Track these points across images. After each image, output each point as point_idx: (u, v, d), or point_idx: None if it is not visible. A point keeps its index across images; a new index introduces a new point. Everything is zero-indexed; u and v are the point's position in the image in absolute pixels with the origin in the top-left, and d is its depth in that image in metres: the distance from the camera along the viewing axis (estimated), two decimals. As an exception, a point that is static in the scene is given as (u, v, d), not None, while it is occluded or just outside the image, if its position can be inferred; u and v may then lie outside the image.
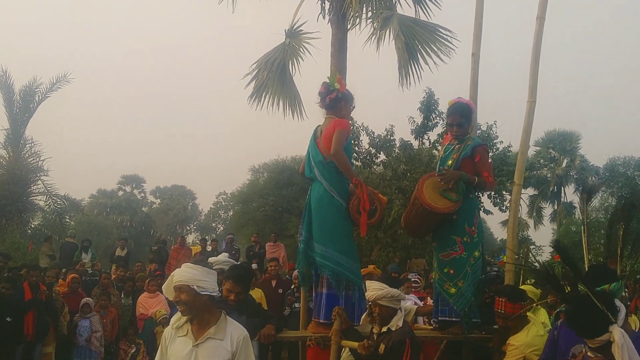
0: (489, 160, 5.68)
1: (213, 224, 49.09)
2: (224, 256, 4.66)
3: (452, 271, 5.11)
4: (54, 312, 8.75)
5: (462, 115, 5.38)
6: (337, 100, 5.28)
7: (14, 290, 8.25)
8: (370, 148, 16.00)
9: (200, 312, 3.31)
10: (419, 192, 5.10)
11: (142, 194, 50.83)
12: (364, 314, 4.83)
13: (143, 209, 48.49)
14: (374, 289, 4.40)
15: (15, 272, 9.09)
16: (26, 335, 8.27)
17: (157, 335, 9.55)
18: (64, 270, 11.43)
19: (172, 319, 3.43)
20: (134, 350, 9.46)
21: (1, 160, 20.12)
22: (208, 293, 3.30)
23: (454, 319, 5.11)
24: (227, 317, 3.43)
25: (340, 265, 4.96)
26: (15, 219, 19.06)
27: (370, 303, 4.52)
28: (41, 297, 8.54)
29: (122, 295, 10.25)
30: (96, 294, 9.62)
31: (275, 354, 10.02)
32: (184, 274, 3.31)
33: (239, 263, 8.82)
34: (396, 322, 4.37)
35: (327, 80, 5.45)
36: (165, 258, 14.82)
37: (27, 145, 20.55)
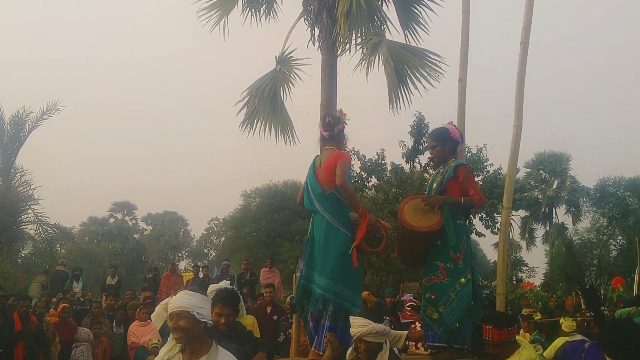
0: (474, 179, 5.74)
1: (205, 250, 48.85)
2: (225, 283, 4.64)
3: (433, 296, 5.13)
4: (44, 342, 8.65)
5: (435, 138, 5.51)
6: (342, 132, 5.43)
7: (3, 320, 8.17)
8: (362, 172, 16.07)
9: (194, 340, 3.25)
10: (400, 214, 5.17)
11: (134, 221, 50.52)
12: (350, 348, 4.80)
13: (135, 235, 48.18)
14: (359, 326, 4.33)
15: (5, 301, 8.98)
16: (15, 366, 8.17)
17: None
18: (54, 299, 11.35)
19: (163, 350, 3.34)
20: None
21: (-8, 191, 20.01)
22: (206, 320, 3.27)
23: (440, 344, 5.11)
24: (218, 346, 3.38)
25: (342, 298, 5.01)
26: (5, 248, 18.87)
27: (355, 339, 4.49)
28: (31, 328, 8.45)
29: (114, 324, 10.14)
30: (87, 324, 9.52)
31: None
32: (184, 300, 3.26)
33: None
34: (382, 357, 4.34)
35: (334, 113, 5.60)
36: (158, 284, 14.76)
37: (18, 174, 20.44)
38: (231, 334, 4.37)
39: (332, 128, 5.38)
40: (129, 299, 11.52)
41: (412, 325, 7.81)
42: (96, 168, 76.99)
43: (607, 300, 9.51)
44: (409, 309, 8.99)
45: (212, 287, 5.16)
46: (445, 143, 5.40)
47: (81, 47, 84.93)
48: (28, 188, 20.24)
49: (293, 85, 11.22)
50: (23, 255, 24.61)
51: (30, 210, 20.31)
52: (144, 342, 9.78)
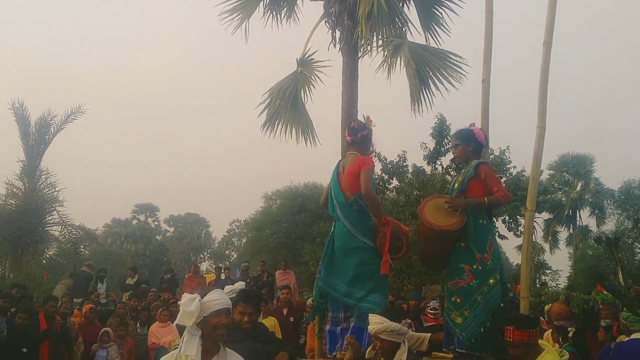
0: (497, 175, 5.69)
1: (226, 252, 49.23)
2: (240, 284, 4.67)
3: (459, 300, 5.02)
4: (68, 342, 8.76)
5: (459, 137, 5.48)
6: (367, 138, 5.43)
7: (29, 320, 8.29)
8: (383, 174, 16.01)
9: (210, 340, 3.29)
10: (420, 212, 5.14)
11: (156, 223, 51.14)
12: (369, 347, 4.80)
13: (157, 237, 48.69)
14: (375, 323, 4.41)
15: (31, 302, 9.12)
16: (42, 365, 8.29)
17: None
18: (80, 300, 11.49)
19: (188, 349, 3.24)
20: (149, 379, 9.46)
21: (17, 191, 20.34)
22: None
23: (459, 350, 5.02)
24: (225, 346, 3.41)
25: (365, 301, 5.03)
26: (30, 249, 19.19)
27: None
28: (56, 327, 8.56)
29: (138, 325, 10.24)
30: (112, 324, 9.62)
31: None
32: (225, 298, 3.36)
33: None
34: (399, 357, 4.36)
35: (360, 118, 5.60)
36: (176, 286, 14.98)
37: (43, 177, 20.80)
38: (254, 333, 4.40)
39: (356, 133, 5.39)
40: (152, 299, 11.62)
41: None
42: (119, 170, 78.09)
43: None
44: (432, 312, 8.93)
45: (229, 288, 5.19)
46: (469, 143, 5.37)
47: (104, 51, 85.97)
48: (53, 190, 20.61)
49: (314, 87, 11.24)
50: (48, 256, 24.95)
51: (55, 212, 20.63)
52: (164, 343, 9.85)
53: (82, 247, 23.51)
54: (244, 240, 39.43)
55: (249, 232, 33.29)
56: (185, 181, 79.20)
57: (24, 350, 8.01)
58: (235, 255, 46.36)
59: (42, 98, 51.59)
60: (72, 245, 21.77)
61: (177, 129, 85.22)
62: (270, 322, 8.83)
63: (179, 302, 3.41)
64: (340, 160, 5.50)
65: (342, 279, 5.11)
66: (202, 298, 3.29)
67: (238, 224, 47.68)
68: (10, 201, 20.20)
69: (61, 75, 79.92)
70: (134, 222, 48.91)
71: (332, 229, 5.38)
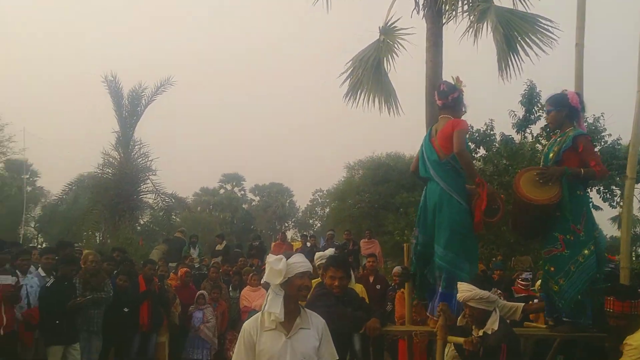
0: (595, 149, 5.46)
1: (310, 221, 49.92)
2: (330, 251, 4.78)
3: (552, 269, 4.98)
4: (166, 303, 9.24)
5: (552, 103, 5.30)
6: (458, 100, 5.30)
7: (130, 282, 8.79)
8: (470, 143, 15.68)
9: (293, 302, 3.40)
10: (515, 186, 5.04)
11: (242, 192, 52.51)
12: (460, 315, 4.78)
13: (243, 206, 50.03)
14: (463, 290, 4.43)
15: (131, 265, 9.65)
16: (142, 326, 8.80)
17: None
18: (174, 264, 12.04)
19: (274, 307, 3.31)
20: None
21: (113, 161, 21.35)
22: None
23: (562, 318, 4.96)
24: (304, 308, 3.50)
25: (455, 267, 4.93)
26: (127, 216, 20.18)
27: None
28: (155, 289, 9.04)
29: (230, 289, 10.65)
30: (206, 288, 10.04)
31: (377, 352, 10.09)
32: (307, 262, 3.44)
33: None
34: (491, 326, 4.35)
35: (448, 80, 5.47)
36: (265, 252, 15.40)
37: (136, 147, 21.71)
38: (345, 298, 4.48)
39: (447, 96, 5.26)
40: (243, 265, 12.03)
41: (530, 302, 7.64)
42: (207, 141, 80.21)
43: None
44: (523, 283, 8.79)
45: (319, 254, 5.29)
46: (562, 109, 5.19)
47: (192, 25, 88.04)
48: (146, 159, 21.48)
49: (397, 56, 11.10)
50: (142, 223, 26.17)
51: (148, 180, 21.52)
52: (255, 306, 10.23)
53: (173, 214, 24.43)
54: (327, 210, 39.76)
55: (332, 201, 33.53)
56: (269, 152, 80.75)
57: (125, 310, 8.52)
58: (318, 225, 46.97)
59: (133, 72, 53.59)
60: (164, 213, 22.75)
61: (262, 101, 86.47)
62: (358, 289, 8.94)
63: (267, 261, 3.51)
64: (432, 126, 5.42)
65: (437, 241, 5.02)
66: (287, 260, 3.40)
67: (321, 193, 48.19)
68: (107, 170, 21.27)
69: (151, 49, 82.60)
70: (221, 191, 50.45)
71: (424, 192, 5.29)
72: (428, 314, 5.25)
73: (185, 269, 10.51)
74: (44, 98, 69.20)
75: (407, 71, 12.19)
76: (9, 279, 7.28)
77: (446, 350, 4.89)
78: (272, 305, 3.31)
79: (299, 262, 3.41)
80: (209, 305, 9.67)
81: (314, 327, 3.41)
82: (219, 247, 16.06)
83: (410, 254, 5.47)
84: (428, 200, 5.17)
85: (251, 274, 10.69)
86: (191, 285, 10.16)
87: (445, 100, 5.29)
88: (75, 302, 7.54)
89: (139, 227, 24.81)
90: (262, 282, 9.86)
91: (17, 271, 7.62)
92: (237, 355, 3.35)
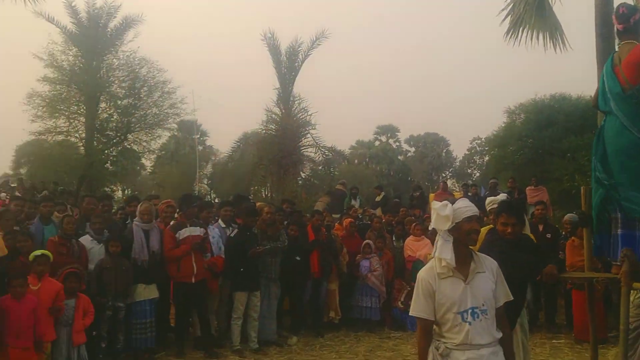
0: None
1: (468, 170, 48.77)
2: (502, 196, 4.63)
3: None
4: (334, 252, 9.58)
5: None
6: None
7: (300, 232, 9.21)
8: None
9: (465, 246, 3.39)
10: None
11: (397, 143, 52.39)
12: None
13: (399, 157, 50.01)
14: None
15: (300, 215, 10.09)
16: (313, 273, 9.24)
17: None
18: (337, 216, 12.41)
19: (445, 254, 3.34)
20: (408, 289, 9.98)
21: (275, 117, 22.25)
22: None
23: None
24: (476, 252, 3.47)
25: (635, 204, 4.48)
26: (290, 170, 21.06)
27: None
28: (322, 239, 9.41)
29: (394, 239, 10.78)
30: (371, 237, 10.26)
31: (550, 301, 9.79)
32: (473, 206, 3.40)
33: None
34: None
35: (627, 2, 4.92)
36: (426, 202, 15.38)
37: (296, 102, 22.41)
38: (519, 244, 4.34)
39: (628, 19, 4.72)
40: (404, 215, 12.10)
41: None
42: (361, 93, 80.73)
43: None
44: None
45: (490, 199, 5.14)
46: None
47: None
48: (305, 114, 22.12)
49: (561, -13, 10.25)
50: (303, 177, 27.15)
51: (309, 135, 22.18)
52: (419, 256, 10.29)
53: (332, 168, 25.05)
54: (487, 158, 38.48)
55: (492, 149, 32.36)
56: (423, 101, 79.40)
57: (297, 258, 8.97)
58: (477, 174, 45.71)
59: (290, 27, 54.91)
60: (324, 166, 23.42)
61: (415, 48, 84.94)
62: (529, 237, 8.67)
63: (432, 207, 3.51)
64: (613, 53, 4.91)
65: (619, 180, 4.59)
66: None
67: (479, 141, 46.72)
68: (270, 126, 22.25)
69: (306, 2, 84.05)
70: (377, 143, 50.73)
71: (601, 125, 4.85)
72: (609, 259, 4.87)
73: (350, 219, 10.78)
74: (208, 58, 73.57)
75: (574, 3, 11.25)
76: (197, 230, 7.98)
77: (631, 297, 4.59)
78: (443, 251, 3.33)
79: (465, 207, 3.39)
80: (375, 254, 9.88)
81: (489, 269, 3.41)
82: (378, 199, 16.40)
83: (588, 198, 5.12)
84: (605, 135, 4.72)
85: (414, 224, 10.72)
86: (356, 235, 10.41)
87: (626, 23, 4.74)
88: (256, 251, 8.09)
89: (300, 181, 25.75)
90: (429, 229, 9.88)
91: (202, 223, 8.31)
92: (415, 303, 3.40)
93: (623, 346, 3.98)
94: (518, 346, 4.54)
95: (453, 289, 3.30)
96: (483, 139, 41.81)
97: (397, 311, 9.98)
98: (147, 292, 7.64)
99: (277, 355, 8.15)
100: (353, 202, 15.16)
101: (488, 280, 3.37)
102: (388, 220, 11.41)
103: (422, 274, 3.44)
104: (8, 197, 10.95)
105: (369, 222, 11.51)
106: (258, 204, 10.50)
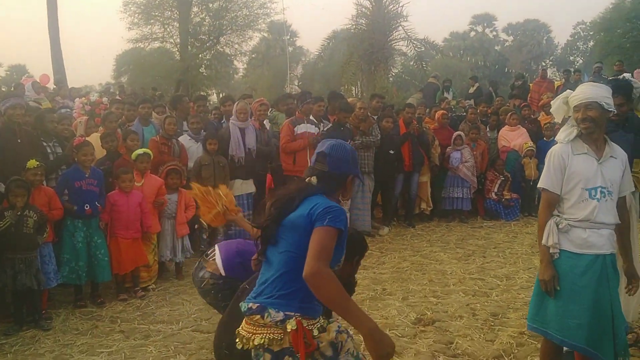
0: None
1: (571, 58, 46.04)
2: (627, 75, 4.37)
3: None
4: (426, 144, 9.52)
5: None
6: None
7: (392, 125, 9.17)
8: None
9: (599, 131, 3.34)
10: None
11: (494, 33, 49.94)
12: None
13: (496, 47, 47.80)
14: None
15: (391, 110, 10.01)
16: (405, 166, 9.26)
17: (525, 166, 9.76)
18: (429, 109, 12.20)
19: (560, 136, 3.46)
20: (502, 179, 9.86)
21: (365, 10, 21.54)
22: (612, 110, 3.35)
23: None
24: (609, 140, 3.44)
25: None
26: (381, 65, 20.59)
27: None
28: (414, 131, 9.34)
29: (487, 129, 10.55)
30: (464, 129, 10.08)
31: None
32: (590, 91, 3.31)
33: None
34: None
35: None
36: (527, 92, 14.86)
37: (388, -7, 21.47)
38: (625, 124, 4.15)
39: None
40: (500, 105, 11.73)
41: None
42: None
43: None
44: None
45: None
46: None
47: None
48: (397, 5, 21.24)
49: None
50: (394, 73, 26.61)
51: (400, 27, 21.42)
52: (514, 146, 10.08)
53: (424, 62, 24.32)
54: (591, 44, 36.06)
55: (597, 33, 30.22)
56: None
57: (391, 152, 9.00)
58: (580, 61, 43.06)
59: None
60: (416, 60, 22.73)
61: None
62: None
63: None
64: None
65: None
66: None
67: (583, 26, 43.68)
68: (361, 21, 21.59)
69: None
70: (472, 34, 48.57)
71: None
72: None
73: (442, 111, 10.61)
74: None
75: None
76: (313, 128, 8.16)
77: None
78: (561, 134, 3.46)
79: (575, 96, 3.38)
80: (467, 145, 9.75)
81: (620, 157, 3.41)
82: (471, 90, 16.22)
83: None
84: None
85: (510, 113, 10.43)
86: (449, 127, 10.26)
87: None
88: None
89: (391, 78, 25.26)
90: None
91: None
92: (545, 176, 3.45)
93: None
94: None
95: (586, 166, 3.34)
96: (588, 23, 39.21)
97: (490, 202, 9.93)
98: (245, 187, 7.98)
99: (369, 245, 8.37)
100: (446, 94, 14.83)
101: (617, 166, 3.39)
102: (482, 110, 11.13)
103: (555, 148, 3.48)
104: (109, 102, 11.48)
105: (464, 114, 11.29)
106: (351, 99, 10.50)
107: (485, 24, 49.35)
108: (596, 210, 3.26)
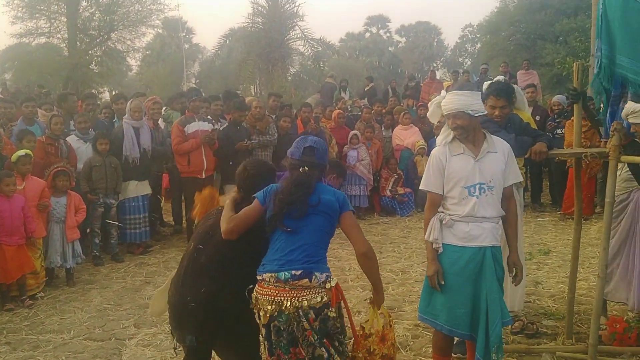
0: None
1: (460, 59, 48.14)
2: (501, 77, 4.59)
3: None
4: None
5: None
6: None
7: (290, 124, 9.20)
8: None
9: (474, 132, 3.51)
10: None
11: (388, 34, 51.29)
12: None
13: (390, 49, 49.14)
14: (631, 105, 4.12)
15: (289, 109, 10.05)
16: (304, 164, 9.30)
17: (417, 164, 10.10)
18: (328, 108, 12.36)
19: (439, 138, 3.64)
20: (396, 177, 10.16)
21: (261, 9, 21.56)
22: (480, 114, 3.49)
23: None
24: (490, 135, 3.61)
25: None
26: (279, 64, 20.70)
27: None
28: (312, 130, 9.41)
29: (382, 128, 10.83)
30: (360, 128, 10.29)
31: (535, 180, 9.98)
32: (457, 101, 3.44)
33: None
34: None
35: None
36: (419, 93, 15.39)
37: (283, -8, 21.57)
38: (507, 125, 4.38)
39: None
40: (393, 105, 12.08)
41: None
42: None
43: None
44: None
45: (487, 83, 5.11)
46: None
47: None
48: (293, 5, 21.42)
49: None
50: (292, 72, 26.75)
51: (297, 27, 21.61)
52: (407, 144, 10.43)
53: (321, 62, 24.63)
54: (479, 46, 37.90)
55: (483, 36, 31.78)
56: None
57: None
58: (469, 62, 45.15)
59: None
60: (313, 60, 23.01)
61: None
62: (524, 116, 8.67)
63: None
64: None
65: (621, 51, 4.33)
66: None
67: (471, 29, 45.85)
68: (257, 19, 21.60)
69: None
70: (367, 35, 49.66)
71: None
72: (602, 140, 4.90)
73: (339, 110, 10.78)
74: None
75: None
76: (206, 125, 8.00)
77: (619, 172, 4.64)
78: (441, 136, 3.63)
79: (445, 104, 3.54)
80: (362, 144, 9.96)
81: (501, 150, 3.57)
82: (366, 89, 16.65)
83: (579, 74, 4.99)
84: (608, 7, 4.52)
85: (402, 113, 10.78)
86: (345, 127, 10.44)
87: None
88: (243, 145, 8.11)
89: (289, 77, 25.41)
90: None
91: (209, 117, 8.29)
92: (426, 178, 3.61)
93: (607, 219, 4.06)
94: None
95: (463, 165, 3.48)
96: (475, 26, 41.09)
97: (386, 199, 10.20)
98: (140, 189, 7.76)
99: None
100: (342, 94, 15.11)
101: (498, 161, 3.53)
102: (377, 110, 11.42)
103: (434, 151, 3.62)
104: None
105: (360, 113, 11.52)
106: (248, 98, 10.42)
107: (379, 25, 50.61)
108: (476, 206, 3.42)
